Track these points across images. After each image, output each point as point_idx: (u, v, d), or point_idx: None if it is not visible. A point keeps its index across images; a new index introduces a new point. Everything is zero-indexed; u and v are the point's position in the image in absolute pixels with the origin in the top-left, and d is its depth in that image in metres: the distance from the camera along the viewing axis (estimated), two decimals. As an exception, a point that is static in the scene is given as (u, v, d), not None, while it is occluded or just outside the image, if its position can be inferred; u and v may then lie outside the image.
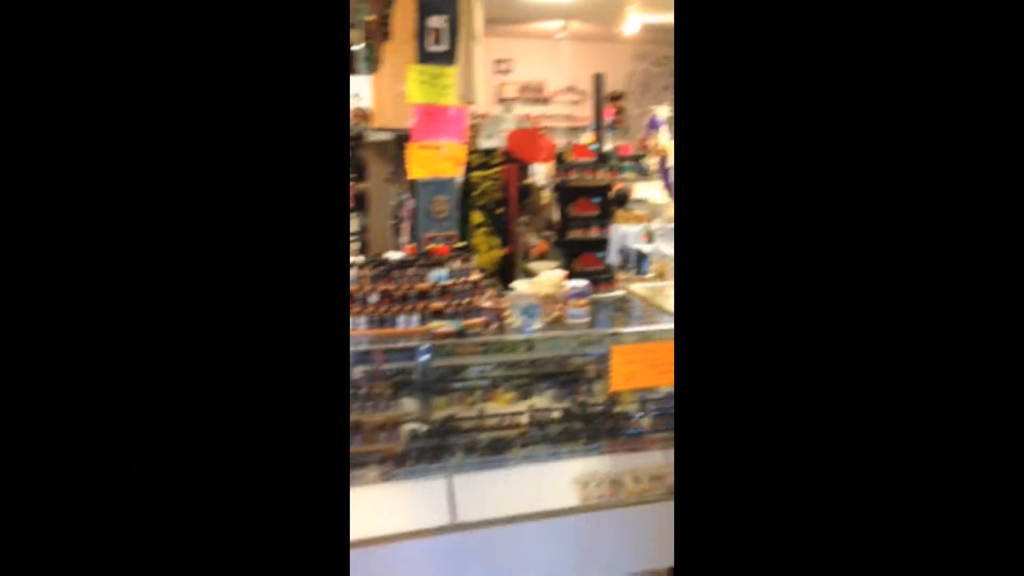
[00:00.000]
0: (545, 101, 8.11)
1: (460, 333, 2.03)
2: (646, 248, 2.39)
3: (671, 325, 2.13)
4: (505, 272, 3.76)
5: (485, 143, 3.84)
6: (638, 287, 2.42)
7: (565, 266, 2.47)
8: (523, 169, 3.87)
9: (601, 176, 2.41)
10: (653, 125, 2.91)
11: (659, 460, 2.22)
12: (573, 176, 2.42)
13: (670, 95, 8.11)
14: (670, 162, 2.78)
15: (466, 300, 2.10)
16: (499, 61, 7.63)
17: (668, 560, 2.20)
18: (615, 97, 8.00)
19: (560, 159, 2.50)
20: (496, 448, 2.20)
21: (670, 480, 2.19)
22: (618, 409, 2.42)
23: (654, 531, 2.18)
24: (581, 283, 2.10)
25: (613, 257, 2.40)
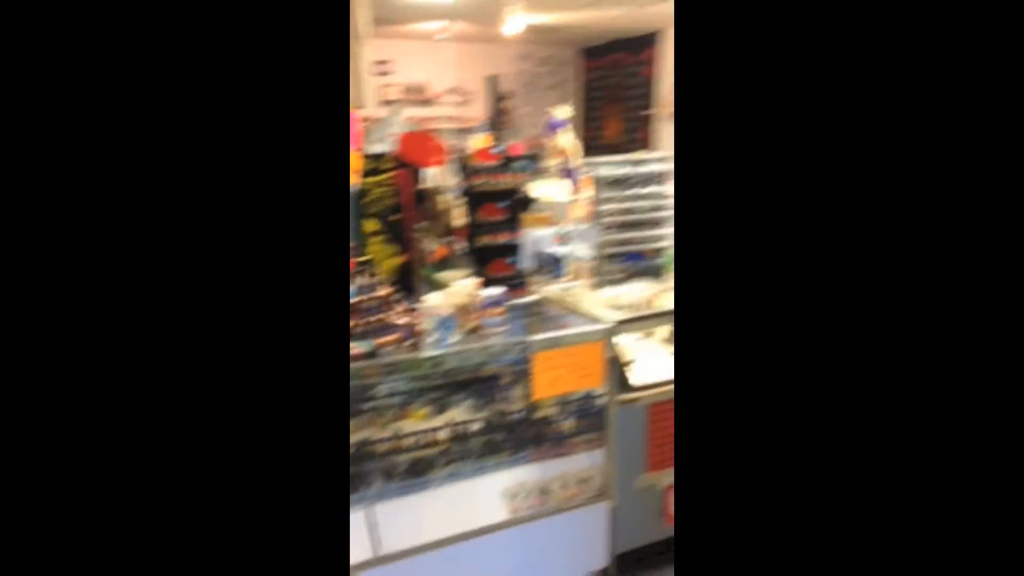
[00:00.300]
0: (429, 103, 7.98)
1: (372, 354, 1.90)
2: (560, 251, 2.37)
3: (590, 326, 2.11)
4: (406, 280, 3.61)
5: (374, 148, 3.67)
6: (553, 290, 2.39)
7: (476, 274, 2.39)
8: (416, 173, 3.74)
9: (506, 179, 2.35)
10: (552, 126, 2.90)
11: (584, 463, 2.20)
12: (479, 180, 2.34)
13: (554, 94, 8.26)
14: (573, 162, 2.78)
15: (375, 317, 1.96)
16: (380, 62, 7.42)
17: (601, 562, 2.20)
18: (501, 97, 8.03)
19: (463, 164, 2.41)
20: (417, 470, 2.09)
21: (597, 481, 2.19)
22: (538, 415, 2.38)
23: (586, 535, 2.16)
24: (497, 291, 2.04)
25: (527, 262, 2.35)
